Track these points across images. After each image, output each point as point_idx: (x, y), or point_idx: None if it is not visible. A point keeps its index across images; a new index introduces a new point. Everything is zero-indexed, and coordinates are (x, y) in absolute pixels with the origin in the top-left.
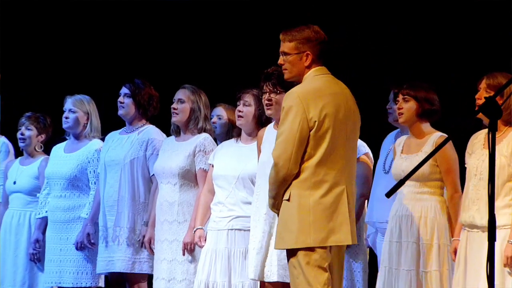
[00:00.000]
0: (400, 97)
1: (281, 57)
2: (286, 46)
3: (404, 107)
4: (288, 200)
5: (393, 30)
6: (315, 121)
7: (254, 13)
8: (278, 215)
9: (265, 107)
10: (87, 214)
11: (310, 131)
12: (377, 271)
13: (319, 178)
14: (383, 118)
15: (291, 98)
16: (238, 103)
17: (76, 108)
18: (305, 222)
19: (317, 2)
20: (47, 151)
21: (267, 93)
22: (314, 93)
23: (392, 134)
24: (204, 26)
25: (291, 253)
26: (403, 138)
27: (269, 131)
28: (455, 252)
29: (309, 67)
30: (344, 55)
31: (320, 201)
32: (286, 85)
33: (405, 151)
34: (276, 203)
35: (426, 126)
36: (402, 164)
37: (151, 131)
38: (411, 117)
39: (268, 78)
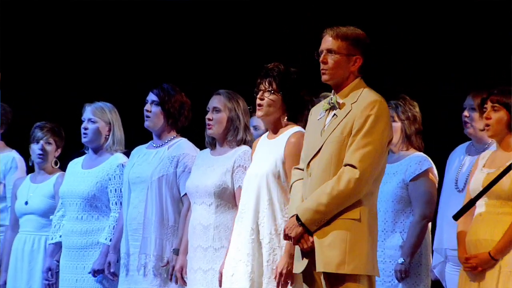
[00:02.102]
0: (489, 104)
1: (324, 54)
2: (335, 44)
3: (493, 117)
4: (359, 220)
5: (393, 30)
6: (391, 135)
7: (256, 14)
8: (311, 234)
9: (256, 107)
10: (106, 239)
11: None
12: None
13: (376, 197)
14: None
15: (381, 107)
16: None
17: (97, 117)
18: (373, 247)
19: (317, 2)
20: (60, 167)
21: (262, 92)
22: None
23: (462, 146)
24: (234, 25)
25: (352, 279)
26: (489, 151)
27: (262, 142)
28: None
29: (354, 74)
30: None
31: (377, 222)
32: (284, 86)
33: (488, 165)
34: (322, 220)
35: None
36: (483, 179)
37: (184, 145)
38: (501, 130)
39: (266, 75)
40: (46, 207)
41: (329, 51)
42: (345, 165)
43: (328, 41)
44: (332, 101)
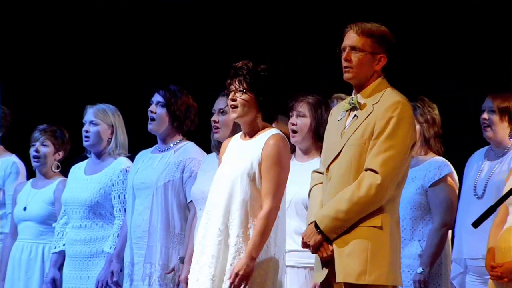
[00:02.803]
0: None
1: (347, 51)
2: (359, 41)
3: None
4: (381, 227)
5: (393, 30)
6: (414, 138)
7: (256, 14)
8: (330, 242)
9: (230, 109)
10: (111, 248)
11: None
12: None
13: (399, 202)
14: None
15: (403, 108)
16: (290, 114)
17: (99, 120)
18: (396, 256)
19: (317, 2)
20: (64, 171)
21: (233, 92)
22: None
23: (481, 151)
24: (234, 25)
25: None
26: None
27: (235, 142)
28: None
29: (377, 73)
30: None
31: (400, 229)
32: (255, 84)
33: None
34: (342, 228)
35: None
36: None
37: (190, 149)
38: None
39: (236, 74)
40: (45, 213)
41: (353, 48)
42: (366, 170)
43: (352, 38)
44: (353, 102)
